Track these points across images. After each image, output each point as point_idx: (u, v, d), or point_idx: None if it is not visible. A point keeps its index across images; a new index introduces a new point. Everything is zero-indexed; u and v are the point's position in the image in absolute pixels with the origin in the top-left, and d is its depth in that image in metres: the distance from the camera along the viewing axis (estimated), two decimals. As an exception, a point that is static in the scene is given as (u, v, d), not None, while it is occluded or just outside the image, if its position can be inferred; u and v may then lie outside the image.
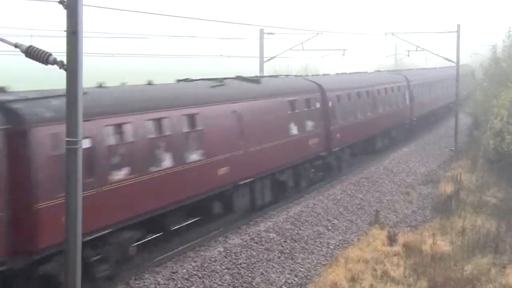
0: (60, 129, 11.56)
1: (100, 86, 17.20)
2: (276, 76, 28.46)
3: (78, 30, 9.55)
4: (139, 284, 16.23)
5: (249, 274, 18.23)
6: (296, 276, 19.17)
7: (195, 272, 17.25)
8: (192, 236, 19.90)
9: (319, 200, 26.12)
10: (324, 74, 37.97)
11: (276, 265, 19.41)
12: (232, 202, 21.50)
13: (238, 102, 21.77)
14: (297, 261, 20.18)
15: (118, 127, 16.06)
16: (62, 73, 9.83)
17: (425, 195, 32.14)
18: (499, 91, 40.19)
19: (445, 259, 20.56)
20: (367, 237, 23.20)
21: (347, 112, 32.04)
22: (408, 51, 52.79)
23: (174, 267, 17.42)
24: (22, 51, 9.70)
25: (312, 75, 34.67)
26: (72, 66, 9.63)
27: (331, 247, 22.15)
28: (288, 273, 19.18)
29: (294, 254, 20.59)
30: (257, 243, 20.27)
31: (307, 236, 22.29)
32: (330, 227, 23.95)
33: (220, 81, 22.48)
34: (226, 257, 18.64)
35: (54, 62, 9.60)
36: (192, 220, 19.53)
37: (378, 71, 47.31)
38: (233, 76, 24.51)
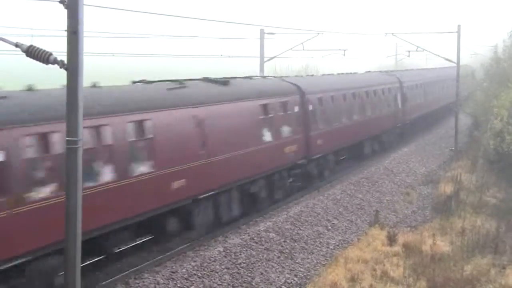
0: None
1: (29, 89, 15.26)
2: (250, 78, 25.86)
3: (79, 30, 9.57)
4: (138, 283, 16.24)
5: (249, 274, 18.24)
6: (295, 276, 19.18)
7: (194, 272, 17.26)
8: (137, 261, 18.05)
9: (319, 200, 26.13)
10: (309, 75, 36.42)
11: (275, 265, 19.43)
12: (192, 218, 19.46)
13: (200, 106, 19.64)
14: (297, 261, 20.20)
15: (43, 137, 14.06)
16: (63, 73, 9.85)
17: (425, 195, 32.15)
18: (500, 92, 40.22)
19: (444, 259, 20.57)
20: (367, 237, 23.21)
21: (331, 116, 30.02)
22: (409, 51, 52.76)
23: (174, 267, 17.44)
24: (23, 51, 9.72)
25: (292, 76, 32.28)
26: (72, 66, 9.64)
27: (330, 247, 22.16)
28: (287, 273, 19.19)
29: (294, 254, 20.61)
30: (256, 243, 20.28)
31: (306, 236, 22.30)
32: (330, 227, 23.96)
33: (181, 83, 20.44)
34: (225, 257, 18.65)
35: (55, 61, 9.62)
36: (142, 240, 17.75)
37: (369, 71, 45.62)
38: (199, 77, 22.71)
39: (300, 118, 26.54)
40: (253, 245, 20.00)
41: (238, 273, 18.08)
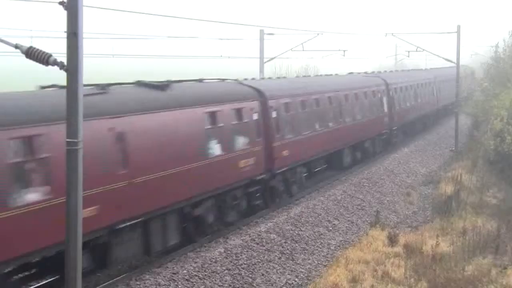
0: None
1: None
2: (200, 81, 22.45)
3: (79, 31, 9.56)
4: (139, 285, 16.22)
5: (250, 275, 18.22)
6: (296, 277, 19.17)
7: (195, 273, 17.24)
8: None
9: (319, 200, 26.11)
10: (279, 77, 32.79)
11: (276, 265, 19.41)
12: (110, 252, 16.05)
13: (122, 117, 16.07)
14: (298, 262, 20.18)
15: None
16: (62, 74, 9.84)
17: (425, 196, 32.15)
18: (499, 92, 40.28)
19: (445, 260, 20.54)
20: (367, 238, 23.18)
21: (300, 123, 26.59)
22: (408, 51, 52.87)
23: (175, 268, 17.42)
24: (23, 52, 9.71)
25: (254, 79, 27.82)
26: (72, 67, 9.63)
27: (331, 247, 22.15)
28: (288, 274, 19.17)
29: (295, 255, 20.59)
30: (257, 243, 20.26)
31: (307, 236, 22.28)
32: (330, 228, 23.94)
33: (103, 88, 16.72)
34: (226, 258, 18.63)
35: (55, 63, 9.60)
36: (43, 282, 15.14)
37: (351, 73, 42.16)
38: (133, 80, 19.41)
39: (260, 127, 23.15)
40: (254, 246, 19.99)
41: (239, 274, 18.06)
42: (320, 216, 24.51)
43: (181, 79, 21.72)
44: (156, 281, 16.46)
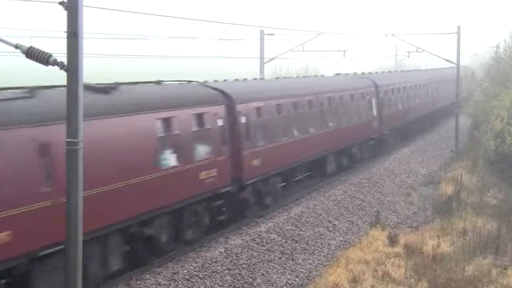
0: None
1: None
2: (158, 83, 19.92)
3: (79, 31, 9.56)
4: (140, 284, 16.22)
5: (250, 275, 18.22)
6: (297, 277, 19.17)
7: (196, 273, 17.25)
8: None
9: (319, 201, 26.12)
10: (255, 79, 29.61)
11: (277, 265, 19.41)
12: (32, 283, 13.95)
13: (48, 125, 13.84)
14: (298, 262, 20.18)
15: None
16: (63, 74, 9.84)
17: (426, 196, 32.16)
18: (499, 92, 40.30)
19: (446, 260, 20.55)
20: (368, 238, 23.18)
21: (275, 129, 24.47)
22: (409, 52, 52.86)
23: (175, 268, 17.43)
24: (23, 52, 9.71)
25: (221, 81, 24.97)
26: (72, 67, 9.64)
27: (332, 248, 22.15)
28: (289, 274, 19.17)
29: (295, 255, 20.59)
30: (258, 243, 20.27)
31: (308, 237, 22.29)
32: (331, 228, 23.95)
33: (31, 91, 14.50)
34: (227, 258, 18.63)
35: (55, 63, 9.61)
36: None
37: (339, 74, 40.08)
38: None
39: (226, 134, 21.13)
40: (254, 246, 19.99)
41: (239, 274, 18.06)
42: (320, 216, 24.52)
43: (138, 80, 19.78)
44: (157, 280, 16.46)
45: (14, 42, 9.82)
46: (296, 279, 18.99)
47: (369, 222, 25.63)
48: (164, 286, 16.31)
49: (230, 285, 17.39)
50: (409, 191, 32.27)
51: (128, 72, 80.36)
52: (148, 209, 17.10)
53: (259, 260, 19.23)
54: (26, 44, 9.89)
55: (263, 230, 21.43)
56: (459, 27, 43.46)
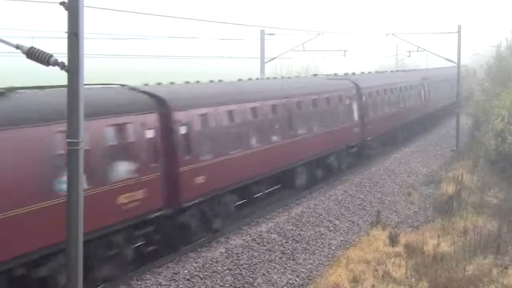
0: None
1: None
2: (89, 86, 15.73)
3: (79, 31, 9.57)
4: (140, 284, 16.24)
5: (251, 275, 18.23)
6: (297, 277, 19.18)
7: (196, 273, 17.26)
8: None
9: (320, 200, 26.12)
10: (211, 82, 24.78)
11: (277, 265, 19.42)
12: None
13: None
14: (299, 262, 20.19)
15: None
16: (63, 74, 9.85)
17: (426, 196, 32.16)
18: (500, 91, 40.30)
19: (446, 259, 20.56)
20: (368, 238, 23.19)
21: (227, 140, 20.93)
22: (409, 51, 52.82)
23: (176, 268, 17.44)
24: (24, 53, 9.72)
25: (159, 84, 21.43)
26: (73, 67, 9.64)
27: (332, 247, 22.16)
28: (289, 274, 19.18)
29: (296, 254, 20.60)
30: (258, 243, 20.27)
31: (308, 236, 22.29)
32: (331, 228, 23.95)
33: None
34: (227, 258, 18.64)
35: (55, 63, 9.62)
36: None
37: (316, 75, 37.43)
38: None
39: (158, 148, 17.67)
40: (255, 246, 20.00)
41: (240, 274, 18.07)
42: (321, 216, 24.52)
43: (56, 84, 15.72)
44: (157, 281, 16.47)
45: (15, 43, 9.83)
46: (297, 279, 18.99)
47: (369, 221, 25.63)
48: (164, 286, 16.32)
49: (231, 285, 17.40)
50: (410, 190, 32.26)
51: (129, 72, 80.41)
52: (41, 246, 13.84)
53: (260, 260, 19.24)
54: (27, 44, 9.90)
55: (263, 230, 21.43)
56: (459, 27, 43.46)
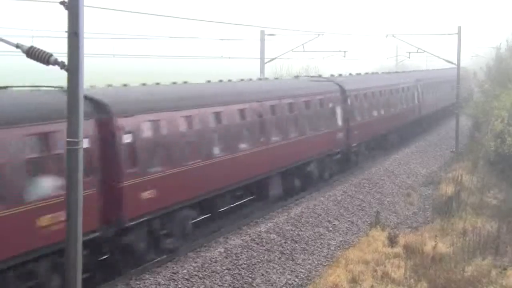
0: None
1: None
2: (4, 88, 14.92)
3: (79, 31, 9.59)
4: (139, 284, 16.24)
5: (250, 275, 18.24)
6: (296, 277, 19.19)
7: (195, 273, 17.27)
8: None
9: (319, 201, 26.12)
10: (176, 83, 22.76)
11: (276, 266, 19.43)
12: None
13: None
14: (298, 262, 20.20)
15: None
16: (63, 74, 9.87)
17: (425, 197, 32.17)
18: (500, 93, 40.31)
19: (445, 260, 20.57)
20: (367, 238, 23.20)
21: (183, 148, 18.64)
22: (409, 52, 52.85)
23: (175, 268, 17.44)
24: (24, 52, 9.75)
25: (109, 86, 19.83)
26: (73, 67, 9.67)
27: (331, 248, 22.16)
28: (288, 274, 19.19)
29: (295, 255, 20.61)
30: (257, 244, 20.28)
31: (307, 237, 22.30)
32: (330, 228, 23.96)
33: None
34: (226, 258, 18.65)
35: (55, 62, 9.64)
36: None
37: (297, 76, 35.51)
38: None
39: (94, 160, 15.21)
40: (254, 246, 20.01)
41: (239, 274, 18.08)
42: (320, 217, 24.53)
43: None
44: (156, 280, 16.48)
45: (15, 42, 9.86)
46: (296, 279, 19.00)
47: (369, 222, 25.64)
48: (163, 286, 16.32)
49: (230, 285, 17.41)
50: (409, 191, 32.27)
51: (129, 72, 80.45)
52: None
53: (259, 260, 19.25)
54: (27, 43, 9.92)
55: (262, 230, 21.44)
56: (459, 28, 43.47)
